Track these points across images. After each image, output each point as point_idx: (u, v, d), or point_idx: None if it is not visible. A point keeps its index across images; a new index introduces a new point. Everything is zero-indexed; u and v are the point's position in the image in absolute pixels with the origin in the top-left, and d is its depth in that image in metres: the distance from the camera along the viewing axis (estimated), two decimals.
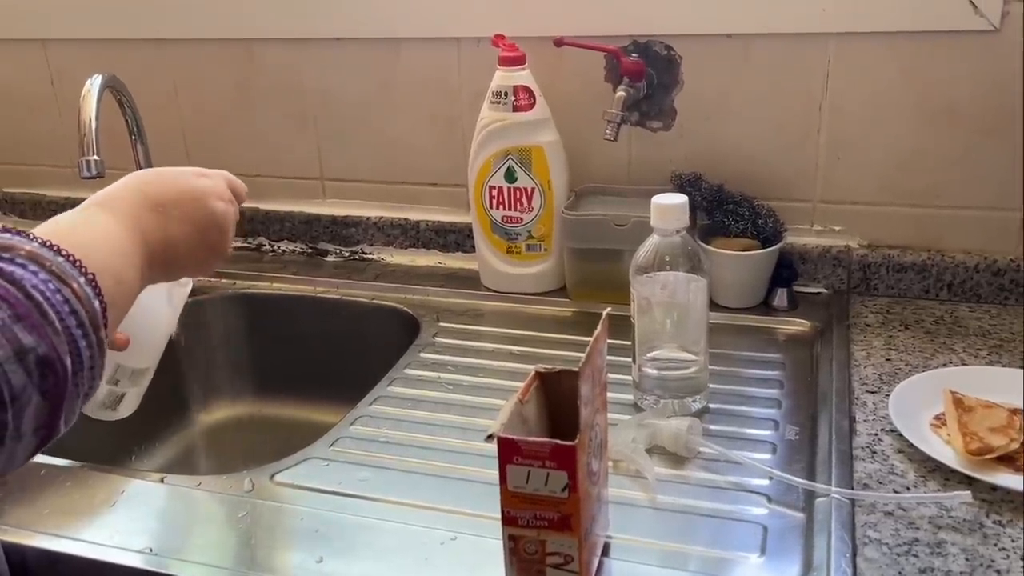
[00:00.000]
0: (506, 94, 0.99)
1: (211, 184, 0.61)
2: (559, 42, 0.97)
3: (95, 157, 0.88)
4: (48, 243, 0.44)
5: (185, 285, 0.79)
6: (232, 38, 1.15)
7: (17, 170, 1.34)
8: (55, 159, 1.30)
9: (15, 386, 0.39)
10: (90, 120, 0.91)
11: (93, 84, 0.94)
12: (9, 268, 0.41)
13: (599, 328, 0.59)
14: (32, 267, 0.42)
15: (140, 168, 1.07)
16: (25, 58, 1.26)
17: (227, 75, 1.18)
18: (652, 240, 0.78)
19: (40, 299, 0.41)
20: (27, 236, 0.44)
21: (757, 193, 1.00)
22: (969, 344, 0.87)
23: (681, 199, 0.76)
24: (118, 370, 0.75)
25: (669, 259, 0.77)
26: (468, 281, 1.11)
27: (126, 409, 0.78)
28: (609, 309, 0.63)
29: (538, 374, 0.60)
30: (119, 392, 0.76)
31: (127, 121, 1.04)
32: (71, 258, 0.44)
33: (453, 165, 1.12)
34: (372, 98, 1.13)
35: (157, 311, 0.77)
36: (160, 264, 0.56)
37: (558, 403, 0.60)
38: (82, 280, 0.44)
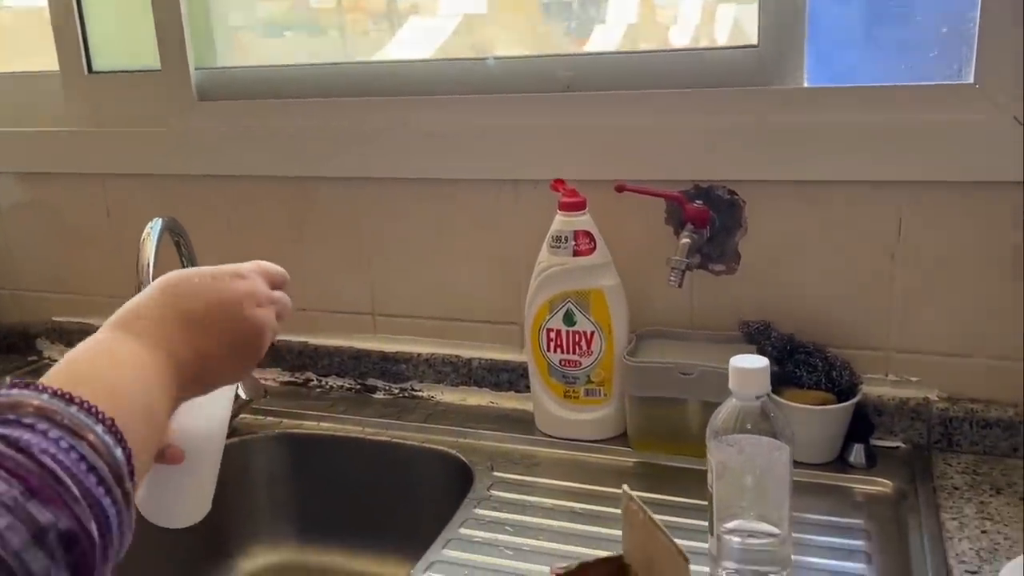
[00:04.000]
0: (566, 239, 0.97)
1: (247, 287, 0.57)
2: (620, 188, 0.96)
3: None
4: (59, 392, 0.41)
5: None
6: (289, 176, 1.16)
7: (68, 299, 1.34)
8: (107, 290, 1.29)
9: (37, 574, 0.36)
10: (148, 264, 0.91)
11: (153, 228, 0.94)
12: (15, 434, 0.38)
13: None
14: (41, 426, 0.39)
15: None
16: (84, 191, 1.28)
17: (282, 210, 1.18)
18: (731, 403, 0.74)
19: (53, 465, 0.38)
20: (36, 387, 0.42)
21: (827, 340, 0.96)
22: None
23: (763, 363, 0.72)
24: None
25: (750, 425, 0.73)
26: (521, 424, 1.07)
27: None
28: (626, 487, 0.59)
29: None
30: None
31: (183, 262, 1.04)
32: (85, 405, 0.41)
33: (506, 304, 1.10)
34: (427, 236, 1.13)
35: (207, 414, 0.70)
36: (191, 382, 0.52)
37: None
38: (99, 429, 0.41)
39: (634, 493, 0.57)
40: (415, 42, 1.16)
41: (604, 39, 1.08)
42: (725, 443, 0.74)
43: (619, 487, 0.92)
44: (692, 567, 0.78)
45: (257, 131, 1.16)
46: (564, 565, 0.59)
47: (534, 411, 1.06)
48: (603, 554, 0.62)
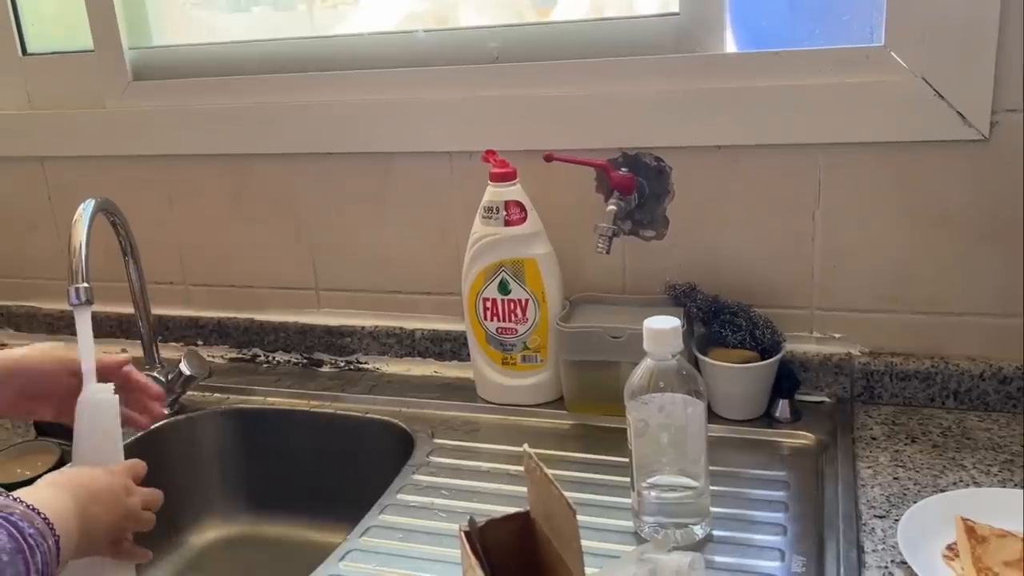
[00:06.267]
0: (497, 209, 0.99)
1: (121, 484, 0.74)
2: (548, 158, 0.98)
3: (84, 284, 0.86)
4: (32, 507, 0.60)
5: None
6: (226, 153, 1.16)
7: (13, 284, 1.34)
8: (52, 273, 1.30)
9: None
10: (80, 246, 0.91)
11: (85, 209, 0.94)
12: (13, 519, 0.58)
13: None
14: (25, 523, 0.58)
15: (133, 284, 1.07)
16: (24, 175, 1.27)
17: (221, 189, 1.19)
18: (646, 363, 0.77)
19: (33, 545, 0.58)
20: (14, 499, 0.60)
21: (753, 301, 0.99)
22: (979, 459, 0.84)
23: (674, 324, 0.75)
24: None
25: (664, 383, 0.75)
26: (464, 392, 1.09)
27: None
28: (526, 445, 0.62)
29: (467, 534, 0.61)
30: None
31: (120, 241, 1.04)
32: (48, 521, 0.60)
33: (447, 274, 1.11)
34: (365, 209, 1.14)
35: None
36: (78, 535, 0.65)
37: (503, 548, 0.61)
38: (51, 542, 0.60)
39: (533, 451, 0.59)
40: (381, 13, 1.15)
41: (569, 8, 1.08)
42: (642, 402, 0.77)
43: (556, 449, 0.95)
44: (617, 523, 0.82)
45: (193, 109, 1.16)
46: (469, 524, 0.61)
47: (474, 379, 1.08)
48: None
